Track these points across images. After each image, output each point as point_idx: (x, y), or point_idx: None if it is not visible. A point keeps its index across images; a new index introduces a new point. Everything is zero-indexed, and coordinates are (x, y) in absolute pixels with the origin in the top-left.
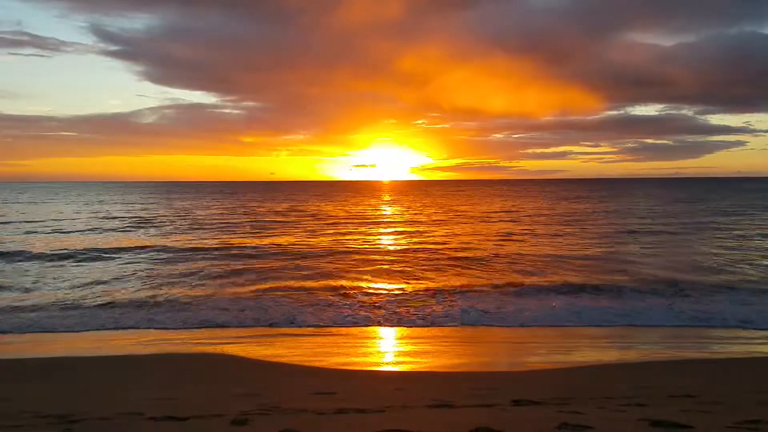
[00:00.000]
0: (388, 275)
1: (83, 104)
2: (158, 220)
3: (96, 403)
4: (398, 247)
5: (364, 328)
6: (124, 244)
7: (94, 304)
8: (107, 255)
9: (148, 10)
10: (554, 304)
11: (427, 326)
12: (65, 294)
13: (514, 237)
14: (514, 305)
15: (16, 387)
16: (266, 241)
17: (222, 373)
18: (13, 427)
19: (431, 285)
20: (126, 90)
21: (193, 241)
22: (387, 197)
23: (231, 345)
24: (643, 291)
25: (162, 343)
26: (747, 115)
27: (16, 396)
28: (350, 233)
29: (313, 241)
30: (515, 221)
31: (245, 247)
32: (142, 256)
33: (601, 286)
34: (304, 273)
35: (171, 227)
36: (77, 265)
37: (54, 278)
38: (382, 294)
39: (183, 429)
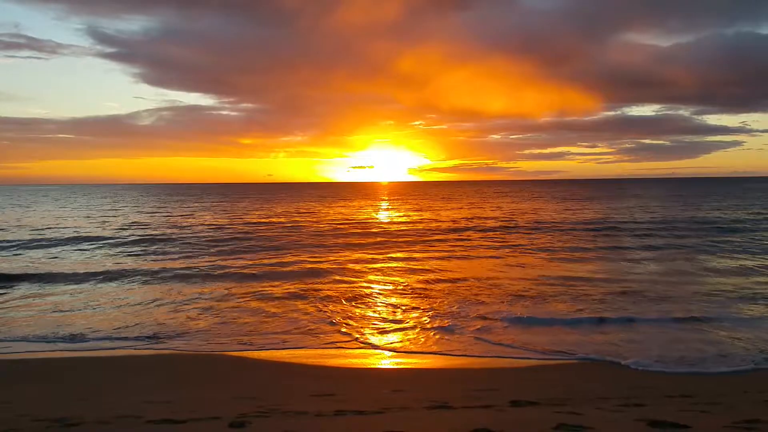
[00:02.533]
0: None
1: (80, 106)
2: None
3: (94, 406)
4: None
5: (362, 327)
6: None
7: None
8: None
9: (145, 12)
10: None
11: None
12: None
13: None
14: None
15: (13, 390)
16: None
17: (220, 375)
18: (9, 431)
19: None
20: (123, 92)
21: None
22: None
23: (229, 347)
24: None
25: (160, 345)
26: (744, 115)
27: (13, 399)
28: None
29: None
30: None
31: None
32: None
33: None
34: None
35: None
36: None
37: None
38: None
39: None
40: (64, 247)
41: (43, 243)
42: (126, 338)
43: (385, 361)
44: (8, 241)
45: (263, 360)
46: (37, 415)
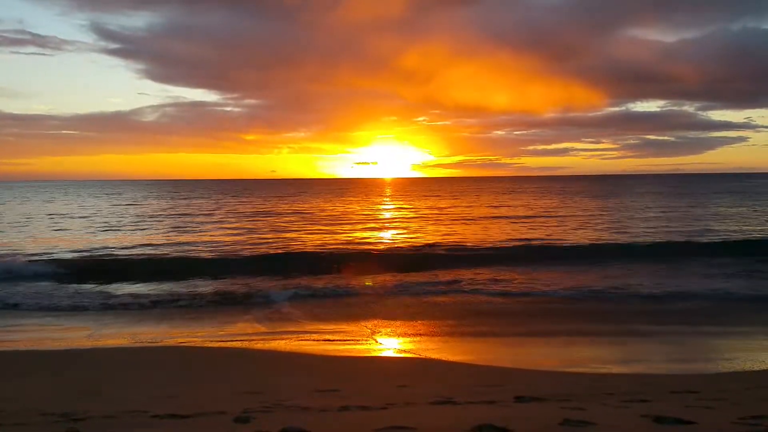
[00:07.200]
0: None
1: (84, 102)
2: None
3: (98, 400)
4: None
5: (367, 324)
6: None
7: None
8: None
9: (149, 8)
10: None
11: None
12: None
13: None
14: None
15: (19, 384)
16: None
17: (225, 370)
18: (16, 425)
19: None
20: (127, 88)
21: None
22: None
23: (233, 341)
24: None
25: (166, 338)
26: (748, 110)
27: (19, 393)
28: None
29: None
30: None
31: None
32: None
33: None
34: None
35: None
36: None
37: None
38: None
39: (186, 427)
40: None
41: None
42: None
43: (390, 357)
44: None
45: (267, 354)
46: (43, 409)
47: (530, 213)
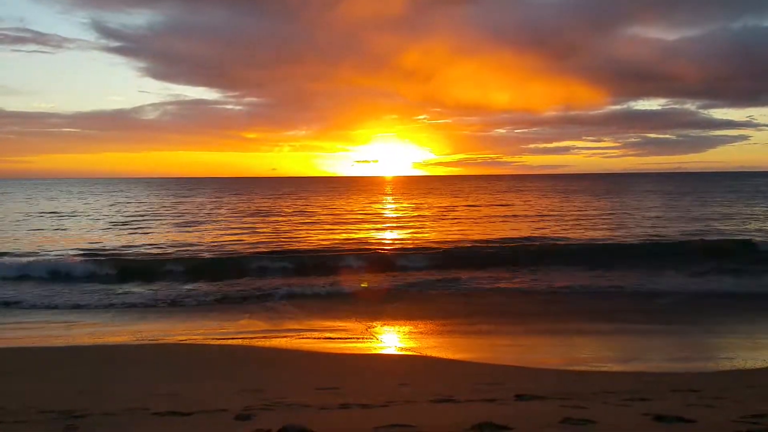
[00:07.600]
0: None
1: (85, 100)
2: None
3: (98, 398)
4: None
5: (367, 322)
6: None
7: None
8: None
9: (150, 6)
10: None
11: None
12: None
13: None
14: None
15: (19, 381)
16: None
17: (226, 368)
18: (16, 423)
19: None
20: (128, 86)
21: None
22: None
23: (234, 339)
24: None
25: (167, 336)
26: (750, 109)
27: (19, 391)
28: None
29: None
30: None
31: None
32: None
33: None
34: None
35: None
36: None
37: None
38: None
39: (187, 424)
40: None
41: None
42: None
43: (391, 355)
44: None
45: (268, 352)
46: (42, 407)
47: (531, 212)
